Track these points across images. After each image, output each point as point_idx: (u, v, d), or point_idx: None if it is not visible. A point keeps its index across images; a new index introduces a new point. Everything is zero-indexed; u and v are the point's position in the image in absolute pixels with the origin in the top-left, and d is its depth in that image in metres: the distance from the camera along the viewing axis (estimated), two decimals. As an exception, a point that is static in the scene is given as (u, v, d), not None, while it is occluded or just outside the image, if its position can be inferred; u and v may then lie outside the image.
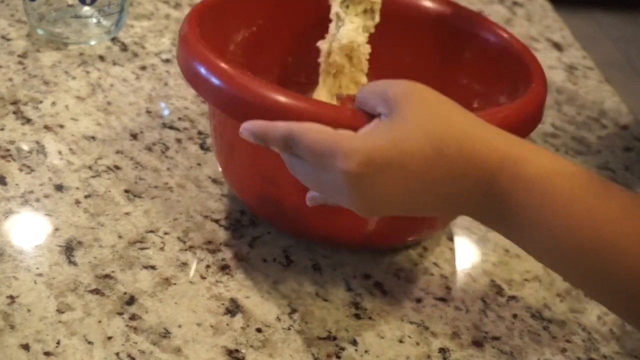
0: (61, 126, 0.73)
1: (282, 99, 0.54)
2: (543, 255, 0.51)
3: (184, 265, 0.62)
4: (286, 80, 0.74)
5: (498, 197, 0.49)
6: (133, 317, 0.57)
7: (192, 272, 0.61)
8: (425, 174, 0.49)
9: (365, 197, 0.49)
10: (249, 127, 0.53)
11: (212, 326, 0.57)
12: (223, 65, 0.57)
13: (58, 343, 0.54)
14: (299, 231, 0.65)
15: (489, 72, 0.69)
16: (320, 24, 0.70)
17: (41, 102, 0.76)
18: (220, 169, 0.67)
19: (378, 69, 0.69)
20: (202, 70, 0.57)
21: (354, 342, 0.58)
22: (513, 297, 0.64)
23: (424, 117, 0.49)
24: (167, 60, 0.85)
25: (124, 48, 0.85)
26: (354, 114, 0.53)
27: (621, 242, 0.46)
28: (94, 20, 0.85)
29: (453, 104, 0.51)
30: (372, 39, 0.67)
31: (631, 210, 0.47)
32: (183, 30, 0.61)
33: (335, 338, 0.58)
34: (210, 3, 0.66)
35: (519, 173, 0.48)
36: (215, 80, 0.56)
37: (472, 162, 0.49)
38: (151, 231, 0.64)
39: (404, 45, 0.73)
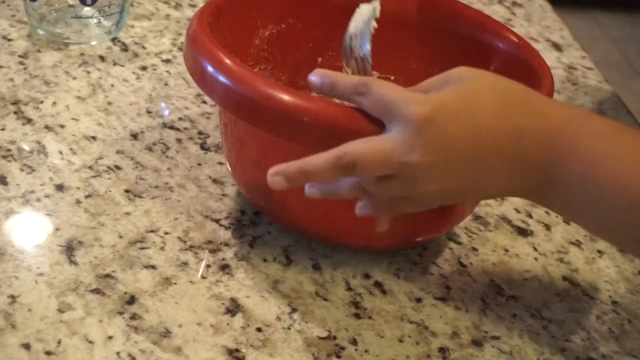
0: (62, 126, 0.74)
1: (291, 99, 0.54)
2: (607, 213, 0.51)
3: (185, 265, 0.62)
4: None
5: (564, 152, 0.50)
6: (133, 317, 0.57)
7: (192, 272, 0.61)
8: (494, 128, 0.50)
9: (434, 151, 0.49)
10: (319, 75, 0.55)
11: (212, 326, 0.58)
12: (233, 64, 0.56)
13: (59, 342, 0.54)
14: (305, 230, 0.65)
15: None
16: None
17: (42, 102, 0.76)
18: (228, 167, 0.67)
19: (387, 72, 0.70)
20: (210, 69, 0.56)
21: (354, 342, 0.58)
22: (512, 297, 0.65)
23: (490, 79, 0.52)
24: (167, 61, 0.85)
25: (125, 48, 0.86)
26: (363, 115, 0.54)
27: None
28: (95, 20, 0.85)
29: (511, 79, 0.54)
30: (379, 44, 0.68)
31: None
32: (191, 28, 0.61)
33: (335, 337, 0.59)
34: None
35: (585, 129, 0.51)
36: (224, 80, 0.56)
37: (539, 119, 0.51)
38: (152, 231, 0.64)
39: (417, 52, 0.73)
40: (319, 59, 0.74)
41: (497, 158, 0.51)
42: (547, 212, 0.74)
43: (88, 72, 0.81)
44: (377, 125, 0.52)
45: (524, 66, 0.65)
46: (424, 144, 0.49)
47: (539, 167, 0.51)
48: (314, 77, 0.55)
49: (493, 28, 0.70)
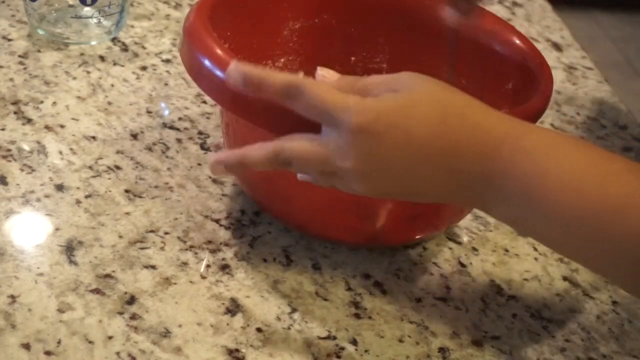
0: (62, 126, 0.74)
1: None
2: (551, 230, 0.50)
3: (185, 265, 0.62)
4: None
5: (501, 169, 0.49)
6: (133, 317, 0.57)
7: (192, 272, 0.61)
8: (428, 143, 0.49)
9: (368, 161, 0.50)
10: (238, 71, 0.51)
11: (212, 326, 0.58)
12: (228, 57, 0.55)
13: (59, 342, 0.54)
14: (307, 227, 0.65)
15: (499, 83, 0.67)
16: (388, 32, 0.70)
17: (42, 102, 0.76)
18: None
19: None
20: (207, 63, 0.56)
21: (354, 342, 0.58)
22: (512, 297, 0.65)
23: (430, 90, 0.51)
24: (167, 61, 0.85)
25: (125, 48, 0.86)
26: None
27: (627, 202, 0.46)
28: (95, 20, 0.85)
29: (457, 89, 0.52)
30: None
31: (635, 173, 0.48)
32: (188, 20, 0.60)
33: (335, 338, 0.59)
34: None
35: (523, 144, 0.49)
36: (219, 74, 0.55)
37: (476, 135, 0.50)
38: (151, 231, 0.64)
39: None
40: (352, 58, 0.74)
41: (430, 169, 0.50)
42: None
43: (88, 72, 0.81)
44: None
45: (527, 74, 0.65)
46: (357, 152, 0.50)
47: (475, 182, 0.51)
48: (233, 72, 0.51)
49: (510, 37, 0.68)
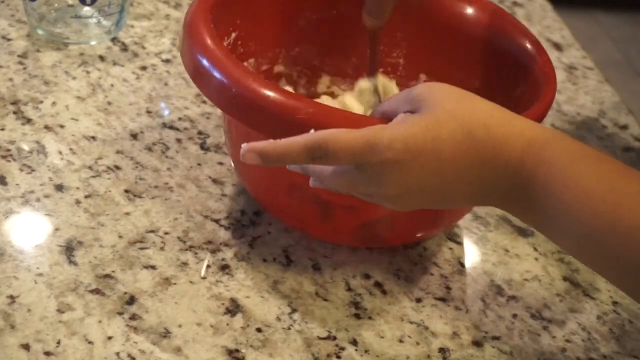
0: (61, 126, 0.73)
1: (284, 100, 0.53)
2: (566, 241, 0.51)
3: (184, 265, 0.62)
4: (360, 71, 0.73)
5: (525, 180, 0.50)
6: (133, 317, 0.57)
7: (192, 272, 0.61)
8: (457, 160, 0.50)
9: (401, 186, 0.50)
10: (255, 148, 0.50)
11: (212, 326, 0.58)
12: (227, 59, 0.55)
13: (58, 343, 0.54)
14: (308, 227, 0.65)
15: (498, 79, 0.67)
16: (406, 27, 0.69)
17: (41, 102, 0.76)
18: (231, 164, 0.67)
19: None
20: (205, 63, 0.55)
21: (354, 342, 0.58)
22: (513, 297, 0.65)
23: (451, 105, 0.51)
24: (167, 60, 0.85)
25: (124, 48, 0.85)
26: (360, 118, 0.53)
27: (639, 227, 0.47)
28: (94, 20, 0.85)
29: (473, 94, 0.52)
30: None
31: None
32: (189, 15, 0.59)
33: (335, 338, 0.58)
34: None
35: (544, 156, 0.50)
36: (217, 75, 0.54)
37: (500, 146, 0.50)
38: (151, 231, 0.64)
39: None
40: (368, 51, 0.73)
41: (460, 182, 0.51)
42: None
43: (88, 72, 0.81)
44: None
45: (530, 75, 0.64)
46: (390, 180, 0.50)
47: (499, 190, 0.51)
48: (248, 154, 0.50)
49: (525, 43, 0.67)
